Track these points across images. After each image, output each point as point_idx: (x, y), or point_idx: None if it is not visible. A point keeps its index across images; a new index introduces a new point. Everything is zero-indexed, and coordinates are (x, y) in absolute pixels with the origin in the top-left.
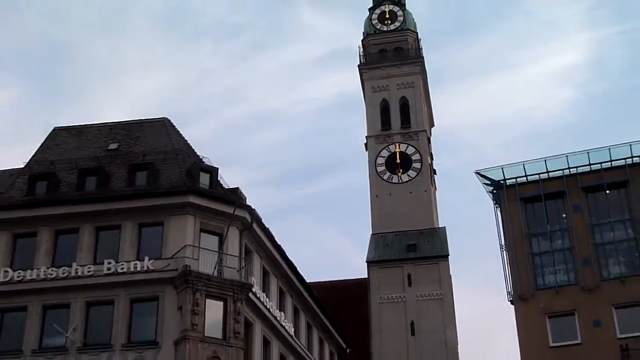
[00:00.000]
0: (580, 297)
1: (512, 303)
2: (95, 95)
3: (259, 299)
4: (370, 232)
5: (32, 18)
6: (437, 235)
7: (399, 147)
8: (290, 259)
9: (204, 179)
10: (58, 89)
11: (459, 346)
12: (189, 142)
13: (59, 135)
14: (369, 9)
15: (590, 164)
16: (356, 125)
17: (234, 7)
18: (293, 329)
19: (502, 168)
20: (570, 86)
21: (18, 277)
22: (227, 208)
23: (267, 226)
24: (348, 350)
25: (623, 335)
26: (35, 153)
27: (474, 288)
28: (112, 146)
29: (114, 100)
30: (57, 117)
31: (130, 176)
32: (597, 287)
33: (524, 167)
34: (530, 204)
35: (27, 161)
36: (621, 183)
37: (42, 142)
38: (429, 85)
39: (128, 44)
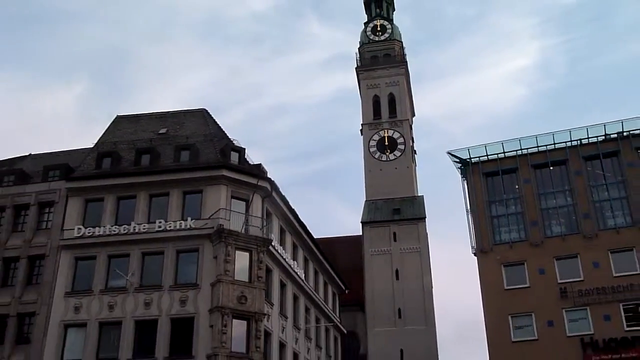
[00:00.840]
0: (529, 251)
1: (475, 255)
2: (148, 90)
3: (277, 251)
4: (364, 199)
5: (96, 27)
6: (417, 202)
7: (387, 133)
8: (302, 219)
9: (234, 157)
10: (119, 85)
11: (433, 289)
12: (222, 127)
13: (120, 122)
14: (364, 23)
15: (537, 146)
16: (353, 115)
17: (257, 20)
18: (303, 275)
19: (468, 149)
20: (522, 85)
21: (89, 233)
22: (252, 180)
23: (283, 194)
24: (346, 291)
25: (562, 280)
26: (102, 136)
27: (446, 243)
28: (162, 131)
29: (163, 93)
30: (118, 107)
31: (176, 154)
32: (542, 243)
33: (485, 148)
34: (490, 178)
35: (95, 142)
36: (562, 161)
37: (106, 127)
38: (411, 84)
39: (174, 49)
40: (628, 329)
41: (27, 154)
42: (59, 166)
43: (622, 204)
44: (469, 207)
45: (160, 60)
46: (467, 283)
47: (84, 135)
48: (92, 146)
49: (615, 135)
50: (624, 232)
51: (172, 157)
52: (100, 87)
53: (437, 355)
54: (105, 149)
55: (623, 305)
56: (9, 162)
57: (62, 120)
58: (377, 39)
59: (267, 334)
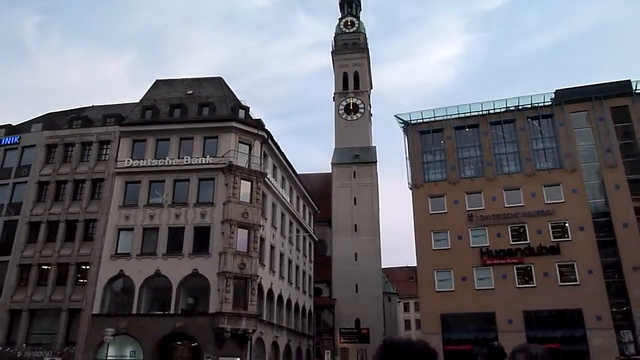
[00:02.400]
0: (448, 187)
1: (410, 189)
2: (179, 60)
3: (270, 181)
4: (334, 147)
5: (141, 11)
6: (371, 150)
7: (352, 100)
8: (289, 160)
9: (241, 113)
10: (158, 55)
11: (379, 212)
12: (233, 91)
13: (158, 84)
14: (339, 19)
15: (458, 114)
16: (328, 86)
17: (261, 12)
18: (289, 199)
19: (409, 114)
20: (452, 68)
21: (135, 164)
22: (254, 130)
23: (276, 141)
24: (318, 212)
25: (469, 208)
26: (145, 94)
27: (392, 180)
28: (189, 92)
29: (190, 64)
30: (157, 72)
31: (199, 109)
32: (458, 182)
33: (421, 113)
34: (423, 134)
35: (140, 98)
36: (475, 125)
37: (148, 88)
38: (371, 65)
39: (199, 31)
40: (512, 243)
41: (90, 105)
42: (114, 115)
43: (515, 157)
44: (407, 155)
45: (189, 39)
46: (405, 208)
47: (132, 92)
48: (138, 101)
49: (513, 107)
50: (514, 176)
51: (196, 112)
52: (145, 56)
53: (380, 257)
54: (147, 104)
55: (510, 227)
56: (77, 110)
57: (116, 80)
58: (347, 31)
59: (262, 239)
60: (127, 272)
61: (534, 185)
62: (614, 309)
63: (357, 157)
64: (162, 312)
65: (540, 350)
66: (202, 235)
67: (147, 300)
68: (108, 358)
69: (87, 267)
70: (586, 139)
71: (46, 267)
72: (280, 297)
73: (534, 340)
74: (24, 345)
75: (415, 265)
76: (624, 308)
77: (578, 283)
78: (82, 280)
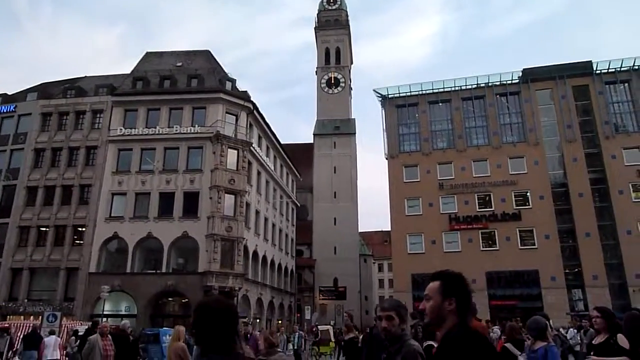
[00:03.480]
0: (421, 158)
1: (386, 159)
2: (168, 33)
3: (255, 150)
4: (316, 118)
5: None
6: (350, 122)
7: (333, 74)
8: (273, 130)
9: (228, 85)
10: (148, 28)
11: (357, 180)
12: (220, 64)
13: (148, 56)
14: None
15: (432, 89)
16: (311, 60)
17: None
18: (273, 167)
19: (387, 88)
20: (427, 46)
21: (127, 132)
22: (240, 101)
23: (261, 112)
24: (301, 179)
25: (440, 178)
26: (136, 65)
27: (369, 150)
28: (178, 64)
29: (180, 37)
30: (147, 45)
31: (188, 81)
32: (430, 153)
33: (398, 88)
34: (399, 108)
35: (131, 70)
36: (447, 100)
37: (139, 59)
38: (352, 41)
39: (188, 4)
40: (479, 210)
41: (83, 75)
42: (106, 85)
43: (483, 130)
44: (384, 127)
45: (178, 12)
46: (381, 177)
47: (123, 64)
48: (129, 72)
49: (483, 84)
50: (482, 148)
51: (185, 83)
52: (135, 29)
53: (357, 222)
54: (138, 75)
55: (477, 195)
56: (70, 81)
57: (108, 52)
58: (330, 8)
59: (248, 204)
60: (121, 234)
61: (500, 157)
62: (567, 271)
63: (337, 129)
64: (154, 271)
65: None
66: (191, 200)
67: (140, 260)
68: (105, 312)
69: (83, 229)
70: (549, 115)
71: (44, 228)
72: (264, 257)
73: (494, 298)
74: (26, 300)
75: (390, 229)
76: (576, 270)
77: (536, 247)
78: (78, 241)
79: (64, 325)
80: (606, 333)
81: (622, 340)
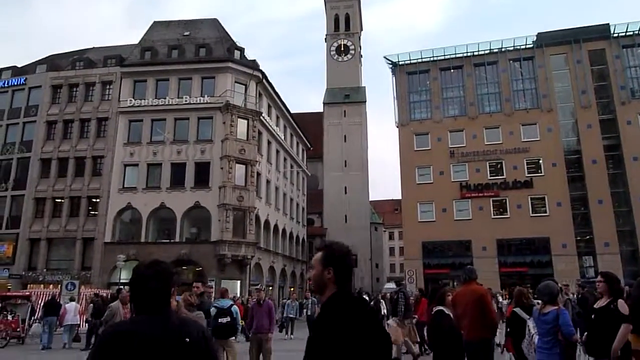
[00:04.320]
0: (432, 126)
1: (397, 127)
2: (175, 1)
3: (265, 120)
4: (326, 87)
5: None
6: (360, 90)
7: (343, 41)
8: (282, 99)
9: (237, 54)
10: None
11: (368, 149)
12: (228, 32)
13: (156, 26)
14: None
15: (444, 55)
16: (320, 28)
17: None
18: (283, 136)
19: (397, 55)
20: (439, 12)
21: (137, 104)
22: (249, 70)
23: (270, 81)
24: (311, 148)
25: (452, 146)
26: (143, 35)
27: (380, 119)
28: (186, 33)
29: (187, 5)
30: (154, 14)
31: (196, 50)
32: (441, 121)
33: (409, 55)
34: (410, 75)
35: (139, 40)
36: (459, 66)
37: (146, 29)
38: (362, 6)
39: None
40: (490, 177)
41: (92, 46)
42: (114, 56)
43: (496, 97)
44: (395, 95)
45: None
46: (390, 146)
47: (131, 34)
48: (137, 43)
49: (497, 50)
50: (494, 115)
51: (194, 53)
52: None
53: (368, 190)
54: (146, 45)
55: (488, 163)
56: (79, 52)
57: (114, 23)
58: None
59: (258, 174)
60: (135, 204)
61: (512, 124)
62: (578, 238)
63: (347, 97)
64: (168, 241)
65: (338, 246)
66: (203, 171)
67: (154, 230)
68: (121, 281)
69: (97, 200)
70: (563, 80)
71: (59, 200)
72: (276, 226)
73: (504, 265)
74: (45, 270)
75: (400, 198)
76: (587, 237)
77: (548, 214)
78: (93, 212)
79: (82, 293)
80: (608, 297)
81: (622, 306)
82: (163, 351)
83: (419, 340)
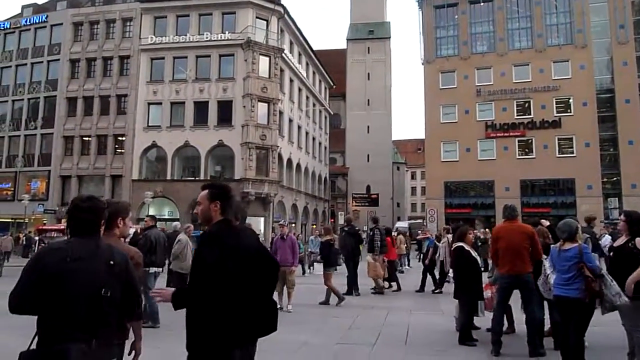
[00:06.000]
0: (459, 63)
1: (423, 65)
2: None
3: (287, 57)
4: (349, 22)
5: None
6: (385, 26)
7: None
8: (305, 35)
9: None
10: None
11: (392, 87)
12: None
13: None
14: None
15: None
16: None
17: None
18: (305, 74)
19: None
20: None
21: (158, 41)
22: (271, 5)
23: (292, 16)
24: (334, 87)
25: (478, 84)
26: None
27: (405, 56)
28: None
29: None
30: None
31: None
32: (469, 57)
33: None
34: (438, 9)
35: None
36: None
37: None
38: None
39: None
40: (517, 117)
41: None
42: None
43: (527, 32)
44: (421, 30)
45: None
46: (414, 84)
47: None
48: None
49: None
50: (525, 52)
51: None
52: None
53: (391, 129)
54: None
55: (516, 102)
56: None
57: None
58: None
59: (281, 113)
60: (159, 142)
61: (543, 61)
62: (605, 179)
63: (371, 33)
64: (193, 178)
65: (221, 185)
66: (225, 109)
67: (179, 168)
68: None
69: (123, 138)
70: (600, 14)
71: (87, 138)
72: (298, 165)
73: (527, 205)
74: None
75: (424, 137)
76: (614, 178)
77: (575, 155)
78: (120, 150)
79: None
80: (627, 236)
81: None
82: (89, 268)
83: (386, 275)
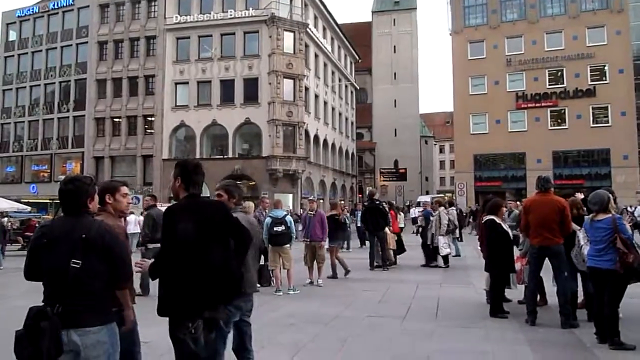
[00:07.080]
0: (488, 32)
1: (450, 35)
2: None
3: (312, 32)
4: None
5: None
6: None
7: None
8: (329, 9)
9: None
10: None
11: (419, 59)
12: None
13: None
14: None
15: None
16: None
17: None
18: (330, 49)
19: None
20: None
21: (183, 20)
22: None
23: None
24: (359, 61)
25: (509, 53)
26: None
27: (433, 26)
28: None
29: None
30: None
31: None
32: (499, 26)
33: None
34: None
35: None
36: None
37: None
38: None
39: None
40: (549, 87)
41: None
42: None
43: None
44: (449, 1)
45: None
46: (442, 56)
47: None
48: None
49: None
50: (557, 18)
51: None
52: None
53: (418, 103)
54: None
55: (548, 71)
56: None
57: None
58: None
59: (307, 89)
60: (188, 122)
61: (577, 28)
62: None
63: (397, 4)
64: (221, 157)
65: (186, 162)
66: (251, 86)
67: (207, 146)
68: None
69: (152, 118)
70: None
71: (117, 119)
72: (325, 141)
73: (560, 177)
74: None
75: (452, 110)
76: None
77: (610, 125)
78: (149, 130)
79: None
80: None
81: None
82: (61, 244)
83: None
